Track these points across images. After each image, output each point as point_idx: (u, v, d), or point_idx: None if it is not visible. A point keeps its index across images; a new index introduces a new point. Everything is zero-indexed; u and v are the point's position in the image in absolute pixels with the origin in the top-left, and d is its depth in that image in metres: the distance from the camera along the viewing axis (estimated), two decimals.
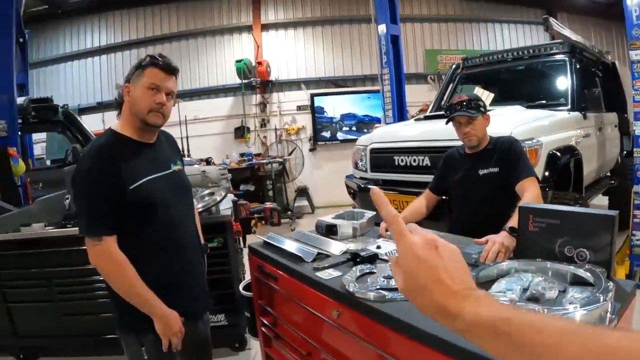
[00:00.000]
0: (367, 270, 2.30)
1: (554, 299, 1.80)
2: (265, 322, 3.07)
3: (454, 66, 8.06)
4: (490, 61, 7.44)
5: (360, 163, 6.27)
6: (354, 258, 2.48)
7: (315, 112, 13.59)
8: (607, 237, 2.03)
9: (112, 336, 4.37)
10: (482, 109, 3.52)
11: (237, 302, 4.42)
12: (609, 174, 7.60)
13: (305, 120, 13.75)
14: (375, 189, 1.02)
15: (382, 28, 9.09)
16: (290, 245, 2.87)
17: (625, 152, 7.80)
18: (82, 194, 2.39)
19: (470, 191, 3.55)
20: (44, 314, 4.72)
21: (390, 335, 1.86)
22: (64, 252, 4.56)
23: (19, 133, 7.22)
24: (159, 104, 2.46)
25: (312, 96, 13.62)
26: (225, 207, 4.84)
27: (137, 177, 2.41)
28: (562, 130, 5.30)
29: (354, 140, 7.07)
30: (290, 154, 13.35)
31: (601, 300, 1.61)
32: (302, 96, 13.78)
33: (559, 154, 4.84)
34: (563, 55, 6.47)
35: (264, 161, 12.39)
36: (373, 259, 2.47)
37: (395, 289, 2.02)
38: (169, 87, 2.52)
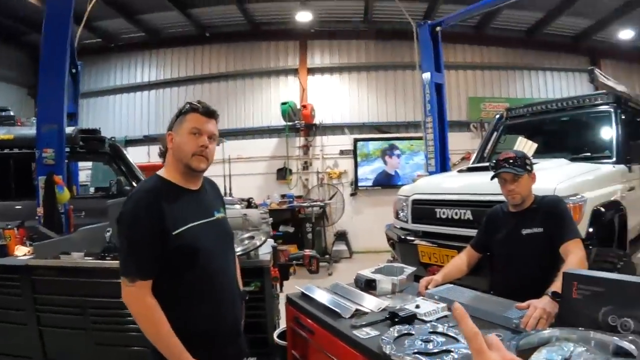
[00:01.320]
0: (405, 331, 2.26)
1: None
2: None
3: (497, 116, 8.00)
4: (534, 111, 7.34)
5: (401, 213, 6.19)
6: (392, 317, 2.45)
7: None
8: None
9: None
10: (528, 167, 3.45)
11: (269, 347, 4.36)
12: None
13: (347, 164, 13.81)
14: (456, 305, 1.01)
15: (426, 76, 9.12)
16: (328, 299, 2.86)
17: None
18: (124, 236, 2.42)
19: (512, 251, 3.44)
20: (75, 341, 4.76)
21: None
22: (101, 283, 4.61)
23: (66, 161, 7.34)
24: (202, 147, 2.51)
25: (355, 141, 13.69)
26: (265, 252, 4.81)
27: (180, 224, 2.42)
28: (607, 184, 5.16)
29: (395, 187, 6.97)
30: (331, 198, 13.37)
31: None
32: (345, 141, 13.86)
33: (603, 209, 4.69)
34: (608, 106, 6.32)
35: (305, 204, 12.40)
36: (411, 319, 2.44)
37: (432, 354, 1.99)
38: (210, 130, 2.56)
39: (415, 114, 13.34)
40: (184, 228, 2.41)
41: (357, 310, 2.64)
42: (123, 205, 2.45)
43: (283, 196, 12.94)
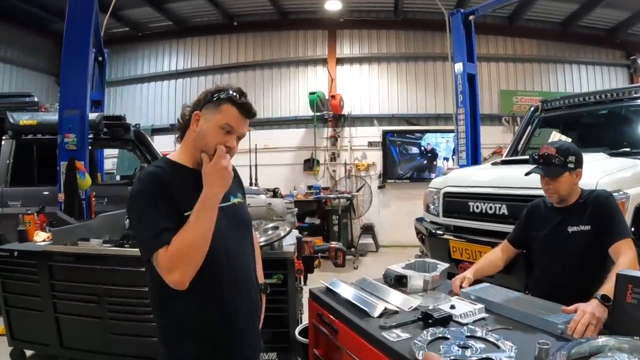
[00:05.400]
0: (440, 335, 2.08)
1: None
2: None
3: (532, 108, 7.70)
4: (570, 104, 6.97)
5: (432, 207, 6.00)
6: (426, 318, 2.25)
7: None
8: None
9: None
10: (571, 164, 3.14)
11: (290, 342, 4.25)
12: None
13: (375, 156, 13.63)
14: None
15: (458, 66, 8.95)
16: (355, 296, 2.68)
17: None
18: (138, 211, 2.15)
19: (556, 250, 3.19)
20: (91, 330, 4.71)
21: None
22: (118, 271, 4.55)
23: (89, 148, 7.28)
24: (228, 147, 2.22)
25: (384, 133, 13.49)
26: (289, 243, 4.69)
27: (191, 205, 2.14)
28: None
29: (424, 180, 6.77)
30: (358, 190, 13.23)
31: None
32: (373, 132, 13.67)
33: None
34: None
35: (332, 195, 12.22)
36: (447, 321, 2.24)
37: None
38: (243, 132, 2.29)
39: (446, 107, 13.11)
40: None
41: (386, 308, 2.45)
42: (132, 187, 2.23)
43: (310, 187, 12.82)
